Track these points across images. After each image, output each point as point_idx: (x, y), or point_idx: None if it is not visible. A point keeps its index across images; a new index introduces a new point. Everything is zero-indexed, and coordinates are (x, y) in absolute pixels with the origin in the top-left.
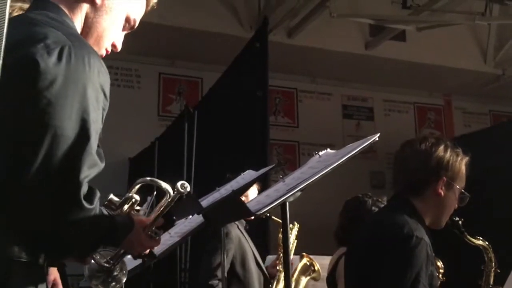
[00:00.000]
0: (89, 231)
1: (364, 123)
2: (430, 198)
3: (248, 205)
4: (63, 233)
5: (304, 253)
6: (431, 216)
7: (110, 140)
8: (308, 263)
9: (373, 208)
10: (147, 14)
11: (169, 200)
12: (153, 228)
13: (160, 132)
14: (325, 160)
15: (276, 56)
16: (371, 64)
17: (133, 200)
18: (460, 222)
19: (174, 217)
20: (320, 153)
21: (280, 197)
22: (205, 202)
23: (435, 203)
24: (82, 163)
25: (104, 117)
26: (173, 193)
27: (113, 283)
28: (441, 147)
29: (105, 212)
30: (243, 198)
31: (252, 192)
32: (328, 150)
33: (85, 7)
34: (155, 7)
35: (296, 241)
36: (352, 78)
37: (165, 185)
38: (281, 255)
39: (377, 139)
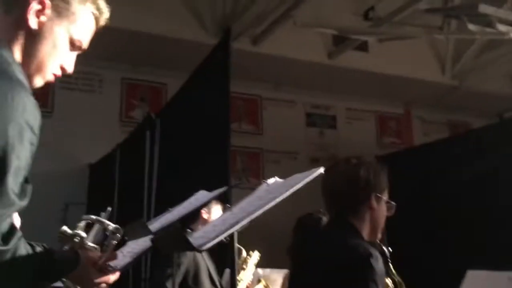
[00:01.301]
0: (8, 274)
1: (327, 131)
2: (365, 214)
3: (193, 238)
4: None
5: (262, 279)
6: (368, 231)
7: (69, 145)
8: (264, 285)
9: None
10: (110, 19)
11: (111, 239)
12: (106, 263)
13: (122, 138)
14: (273, 190)
15: (240, 63)
16: (334, 73)
17: (79, 237)
18: (388, 252)
19: (126, 237)
20: (269, 181)
21: (226, 229)
22: (158, 223)
23: (370, 218)
24: None
25: (33, 152)
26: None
27: None
28: (364, 167)
29: (38, 248)
30: (205, 216)
31: (215, 209)
32: (276, 179)
33: (22, 35)
34: (109, 23)
35: (255, 268)
36: (316, 87)
37: (107, 224)
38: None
39: (322, 172)
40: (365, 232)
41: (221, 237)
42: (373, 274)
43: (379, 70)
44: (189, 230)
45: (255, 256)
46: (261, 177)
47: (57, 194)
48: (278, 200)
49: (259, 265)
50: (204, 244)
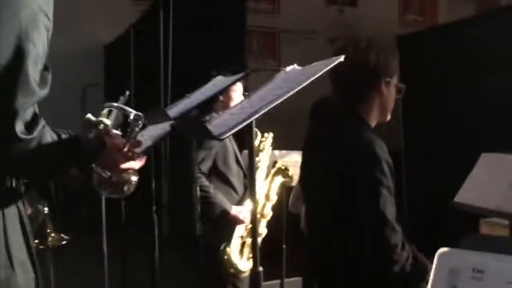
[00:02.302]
0: (35, 162)
1: (347, 9)
2: (374, 100)
3: (212, 126)
4: (8, 167)
5: (278, 160)
6: (377, 117)
7: (82, 26)
8: (282, 167)
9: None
10: None
11: (133, 126)
12: (130, 149)
13: (135, 18)
14: (292, 78)
15: None
16: None
17: (103, 124)
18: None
19: (146, 122)
20: (287, 69)
21: (244, 120)
22: (176, 109)
23: (379, 104)
24: (15, 91)
25: (49, 38)
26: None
27: (125, 187)
28: (374, 50)
29: (64, 136)
30: (223, 99)
31: (237, 93)
32: (295, 66)
33: None
34: None
35: (271, 148)
36: None
37: (130, 110)
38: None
39: (342, 59)
40: (373, 118)
41: (240, 126)
42: (378, 162)
43: None
44: (208, 118)
45: (270, 137)
46: (278, 59)
47: (74, 75)
48: (296, 89)
49: (275, 147)
50: (224, 133)
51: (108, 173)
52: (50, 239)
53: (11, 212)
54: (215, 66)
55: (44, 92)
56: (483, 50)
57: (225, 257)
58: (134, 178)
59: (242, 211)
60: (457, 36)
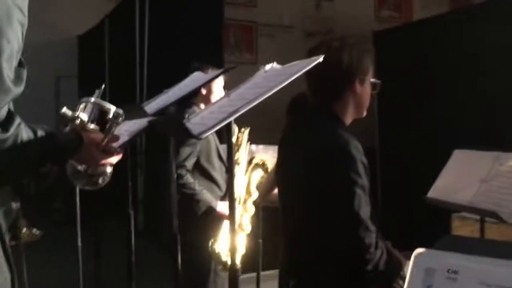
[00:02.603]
0: (11, 160)
1: (324, 4)
2: (349, 98)
3: (191, 125)
4: None
5: (255, 155)
6: (352, 114)
7: (56, 16)
8: (260, 162)
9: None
10: None
11: (115, 122)
12: (108, 144)
13: (110, 8)
14: (271, 77)
15: None
16: None
17: (79, 119)
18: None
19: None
20: (266, 67)
21: (224, 119)
22: (154, 104)
23: (354, 101)
24: None
25: (24, 33)
26: (111, 117)
27: (100, 179)
28: (347, 50)
29: (40, 132)
30: (204, 92)
31: (218, 86)
32: (275, 64)
33: None
34: None
35: (248, 143)
36: None
37: (107, 107)
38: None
39: (320, 60)
40: (349, 116)
41: (220, 126)
42: (353, 162)
43: None
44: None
45: (246, 132)
46: (255, 52)
47: (48, 66)
48: (276, 89)
49: (252, 141)
50: (203, 132)
51: (84, 166)
52: (22, 235)
53: None
54: (191, 58)
55: (19, 89)
56: (457, 47)
57: (214, 253)
58: (109, 170)
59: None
60: (432, 32)
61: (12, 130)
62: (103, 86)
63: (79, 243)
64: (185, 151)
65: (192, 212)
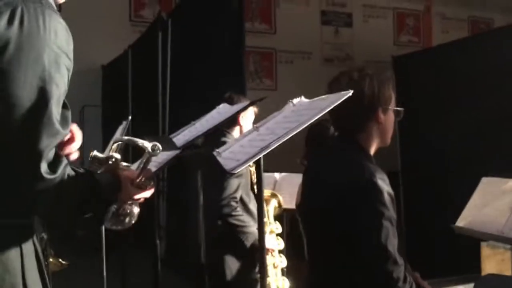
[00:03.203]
0: (56, 201)
1: (343, 30)
2: (373, 129)
3: (222, 159)
4: (31, 207)
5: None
6: (377, 143)
7: (81, 46)
8: (269, 194)
9: (335, 133)
10: None
11: (148, 156)
12: (142, 180)
13: (133, 39)
14: (300, 111)
15: None
16: None
17: (113, 159)
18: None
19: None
20: (294, 101)
21: (255, 154)
22: (181, 136)
23: (378, 131)
24: (40, 133)
25: (70, 77)
26: (146, 151)
27: (127, 219)
28: (367, 80)
29: (80, 172)
30: (237, 128)
31: (248, 119)
32: (303, 98)
33: None
34: None
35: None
36: None
37: (142, 143)
38: None
39: (350, 94)
40: (373, 146)
41: (251, 161)
42: (380, 194)
43: None
44: (217, 151)
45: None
46: (274, 78)
47: (74, 96)
48: (306, 124)
49: (275, 169)
50: (236, 167)
51: (115, 206)
52: (49, 263)
53: (28, 248)
54: (214, 87)
55: (66, 131)
56: (476, 71)
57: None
58: (136, 210)
59: (270, 240)
60: (452, 57)
61: (59, 171)
62: (129, 117)
63: (104, 273)
64: (234, 182)
65: (240, 245)
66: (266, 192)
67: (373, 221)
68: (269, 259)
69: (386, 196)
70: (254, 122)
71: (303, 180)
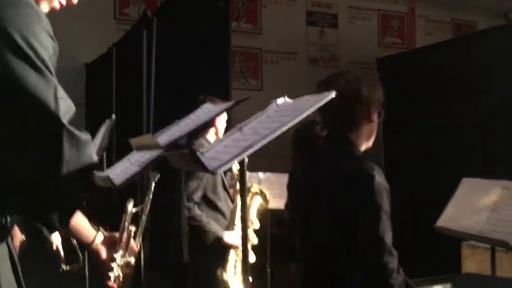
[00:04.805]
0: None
1: (328, 31)
2: (364, 128)
3: (205, 159)
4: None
5: (252, 184)
6: (365, 143)
7: (65, 43)
8: (258, 191)
9: (322, 134)
10: None
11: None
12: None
13: (118, 37)
14: (284, 112)
15: None
16: None
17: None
18: None
19: (134, 148)
20: (278, 101)
21: (238, 154)
22: (165, 136)
23: (368, 131)
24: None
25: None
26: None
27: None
28: (363, 83)
29: None
30: (212, 129)
31: (222, 121)
32: (286, 99)
33: None
34: None
35: (247, 173)
36: None
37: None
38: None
39: (333, 95)
40: (363, 144)
41: (234, 161)
42: (379, 187)
43: None
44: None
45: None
46: (260, 78)
47: None
48: (290, 124)
49: (258, 169)
50: (219, 167)
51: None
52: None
53: (2, 250)
54: (199, 86)
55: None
56: (460, 73)
57: (223, 282)
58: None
59: (235, 237)
60: (435, 58)
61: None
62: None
63: (87, 274)
64: (192, 184)
65: (200, 243)
66: (255, 188)
67: (372, 214)
68: (233, 256)
69: (384, 190)
70: (239, 121)
71: (294, 181)
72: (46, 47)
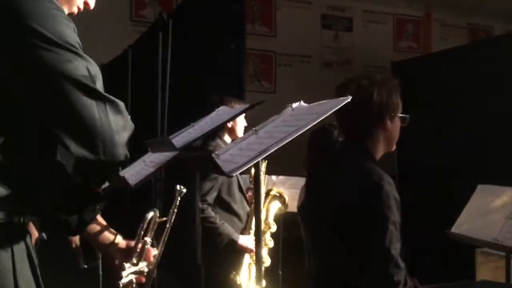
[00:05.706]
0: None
1: (343, 34)
2: (380, 135)
3: (221, 161)
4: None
5: (272, 187)
6: (383, 149)
7: (81, 44)
8: (277, 194)
9: (339, 138)
10: None
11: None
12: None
13: (134, 38)
14: (299, 116)
15: None
16: None
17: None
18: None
19: (149, 149)
20: (293, 105)
21: (253, 158)
22: (180, 138)
23: (385, 137)
24: None
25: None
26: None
27: None
28: (376, 88)
29: None
30: (232, 126)
31: (241, 117)
32: (302, 103)
33: None
34: None
35: (266, 176)
36: None
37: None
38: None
39: (348, 100)
40: (379, 151)
41: (250, 164)
42: (387, 198)
43: None
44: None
45: (264, 164)
46: (274, 81)
47: None
48: (305, 128)
49: (273, 172)
50: (235, 170)
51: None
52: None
53: (20, 248)
54: (213, 89)
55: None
56: (476, 77)
57: (236, 285)
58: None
59: (249, 240)
60: (450, 63)
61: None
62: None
63: (100, 272)
64: (206, 185)
65: (214, 245)
66: (274, 191)
67: (378, 224)
68: (247, 259)
69: (392, 201)
70: (251, 123)
71: (308, 183)
72: (70, 33)
